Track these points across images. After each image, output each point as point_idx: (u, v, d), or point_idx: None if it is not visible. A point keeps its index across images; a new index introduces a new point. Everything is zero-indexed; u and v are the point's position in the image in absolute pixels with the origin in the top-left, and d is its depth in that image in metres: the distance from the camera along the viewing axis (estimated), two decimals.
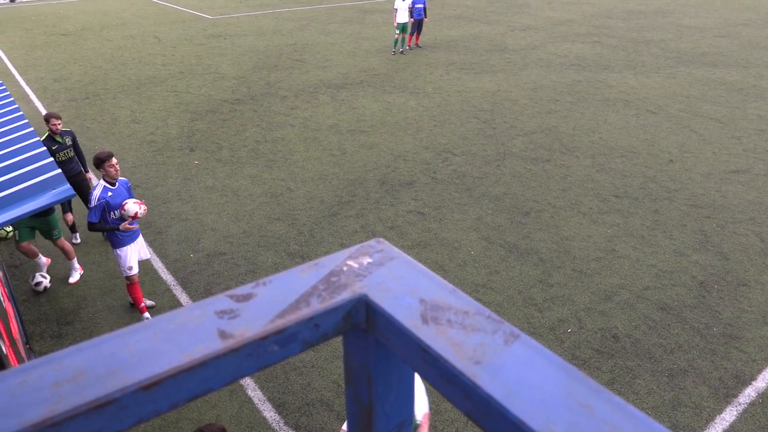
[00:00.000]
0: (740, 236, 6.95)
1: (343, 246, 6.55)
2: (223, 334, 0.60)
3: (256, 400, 4.77)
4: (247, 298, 0.66)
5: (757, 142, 9.68)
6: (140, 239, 5.69)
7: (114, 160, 5.35)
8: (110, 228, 5.33)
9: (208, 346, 0.58)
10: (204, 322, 0.62)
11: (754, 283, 6.14)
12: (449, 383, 0.60)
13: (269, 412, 4.66)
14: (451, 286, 0.71)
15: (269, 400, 4.78)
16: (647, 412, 4.62)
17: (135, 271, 5.55)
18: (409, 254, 6.64)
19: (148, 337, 0.61)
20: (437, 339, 0.62)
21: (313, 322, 0.65)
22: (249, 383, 4.97)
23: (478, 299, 5.81)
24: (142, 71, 14.12)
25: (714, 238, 6.92)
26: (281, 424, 4.56)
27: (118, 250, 5.47)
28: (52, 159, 4.99)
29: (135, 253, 5.57)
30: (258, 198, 7.92)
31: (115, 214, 5.33)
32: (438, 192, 8.00)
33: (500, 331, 0.64)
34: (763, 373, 5.03)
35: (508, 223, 7.24)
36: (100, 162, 5.30)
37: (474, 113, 10.98)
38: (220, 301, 0.66)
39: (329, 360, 5.16)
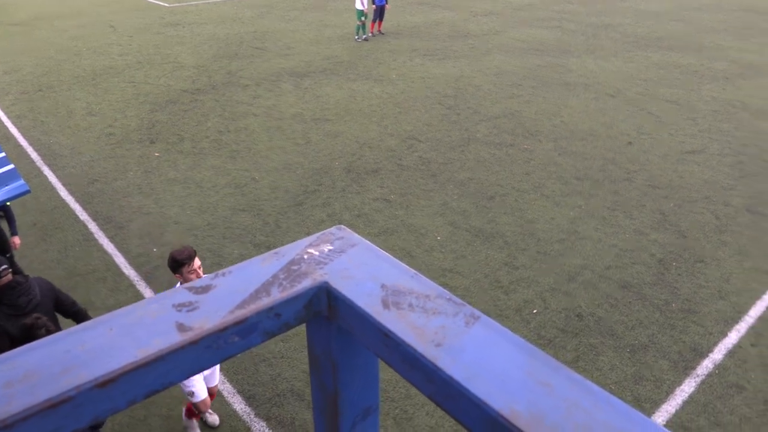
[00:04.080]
0: (696, 215, 7.18)
1: (309, 236, 6.52)
2: (181, 327, 0.59)
3: (225, 393, 4.74)
4: (205, 290, 0.65)
5: (712, 123, 9.98)
6: None
7: (197, 263, 3.96)
8: None
9: (166, 339, 0.57)
10: (162, 316, 0.61)
11: (710, 259, 6.36)
12: (412, 367, 0.60)
13: (239, 405, 4.64)
14: (412, 270, 0.72)
15: (239, 392, 4.75)
16: (610, 387, 4.77)
17: (200, 397, 4.10)
18: (375, 241, 6.66)
19: (103, 333, 0.60)
20: (399, 324, 0.62)
21: (273, 311, 0.64)
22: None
23: (445, 284, 5.87)
24: (97, 62, 13.68)
25: (671, 217, 7.13)
26: (252, 416, 4.54)
27: None
28: (4, 154, 4.81)
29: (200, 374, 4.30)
30: (222, 189, 7.81)
31: None
32: (404, 179, 8.02)
33: (461, 314, 0.65)
34: (719, 345, 5.23)
35: (473, 207, 7.31)
36: (178, 265, 3.91)
37: (438, 99, 11.01)
38: (179, 293, 0.65)
39: (298, 350, 5.15)
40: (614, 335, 5.32)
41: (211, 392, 4.36)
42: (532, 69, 12.90)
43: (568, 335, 5.33)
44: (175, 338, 0.58)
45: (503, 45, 14.89)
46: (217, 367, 4.42)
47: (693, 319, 5.52)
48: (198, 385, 4.08)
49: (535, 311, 5.60)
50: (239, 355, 5.00)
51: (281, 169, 8.32)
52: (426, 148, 8.91)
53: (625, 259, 6.33)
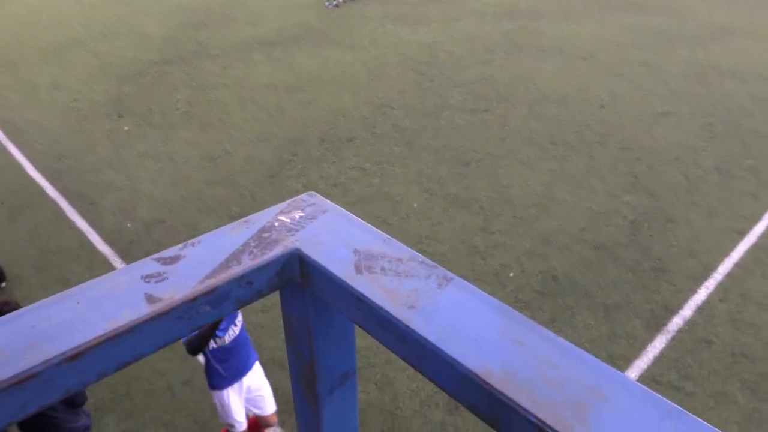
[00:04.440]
0: (668, 176, 7.31)
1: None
2: (150, 299, 0.58)
3: None
4: (175, 260, 0.64)
5: (683, 85, 10.08)
6: (253, 378, 3.92)
7: None
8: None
9: (135, 311, 0.56)
10: (130, 288, 0.60)
11: (681, 219, 6.50)
12: (385, 330, 0.61)
13: None
14: (384, 235, 0.72)
15: None
16: (585, 346, 4.89)
17: (241, 428, 3.91)
18: (352, 210, 6.62)
19: (70, 307, 0.58)
20: (371, 287, 0.62)
21: (245, 279, 0.64)
22: None
23: (422, 251, 5.90)
24: (60, 34, 13.19)
25: (643, 179, 7.25)
26: None
27: (216, 393, 3.83)
28: None
29: (240, 400, 3.88)
30: (195, 162, 7.68)
31: (216, 342, 3.64)
32: (378, 147, 7.98)
33: (434, 276, 0.65)
34: (689, 302, 5.40)
35: (448, 174, 7.33)
36: None
37: (411, 66, 10.90)
38: (147, 264, 0.64)
39: (278, 319, 5.16)
40: (589, 296, 5.45)
41: (269, 422, 4.08)
42: (504, 34, 12.81)
43: (545, 297, 5.43)
44: (145, 309, 0.57)
45: (475, 10, 14.73)
46: (269, 393, 4.05)
47: (664, 277, 5.67)
48: (238, 417, 3.87)
49: (511, 275, 5.69)
50: None
51: (255, 140, 8.20)
52: (400, 116, 8.86)
53: (599, 222, 6.43)
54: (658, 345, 4.98)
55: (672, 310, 5.31)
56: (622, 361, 4.81)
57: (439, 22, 13.67)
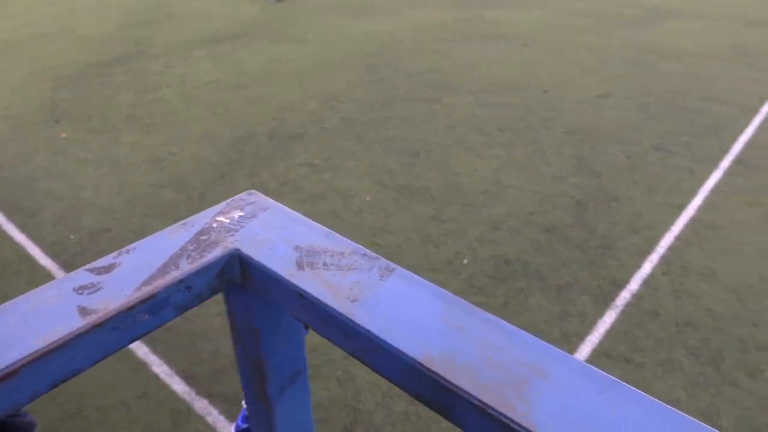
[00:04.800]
0: (609, 156, 7.56)
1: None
2: (83, 311, 0.56)
3: (162, 375, 4.64)
4: (108, 269, 0.63)
5: (621, 67, 10.42)
6: None
7: None
8: None
9: (68, 325, 0.55)
10: (61, 301, 0.58)
11: (623, 197, 6.74)
12: (328, 325, 0.61)
13: (179, 385, 4.56)
14: (326, 229, 0.72)
15: (177, 372, 4.66)
16: (540, 326, 5.03)
17: None
18: (304, 207, 6.62)
19: None
20: (313, 283, 0.62)
21: (184, 284, 0.63)
22: (153, 359, 4.80)
23: (376, 243, 5.94)
24: None
25: (587, 160, 7.47)
26: (193, 395, 4.48)
27: None
28: None
29: None
30: (140, 166, 7.46)
31: None
32: (328, 141, 7.94)
33: (376, 267, 0.66)
34: (635, 276, 5.61)
35: (398, 165, 7.37)
36: None
37: (358, 58, 10.87)
38: (79, 276, 0.62)
39: None
40: (540, 277, 5.59)
41: None
42: (450, 22, 12.93)
43: (498, 281, 5.54)
44: (77, 323, 0.55)
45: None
46: None
47: (610, 254, 5.87)
48: None
49: (465, 262, 5.77)
50: (175, 333, 4.88)
51: (202, 141, 8.03)
52: (349, 109, 8.83)
53: (547, 205, 6.60)
54: (608, 320, 5.15)
55: (619, 285, 5.50)
56: (575, 338, 4.96)
57: (384, 12, 13.67)
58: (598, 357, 4.82)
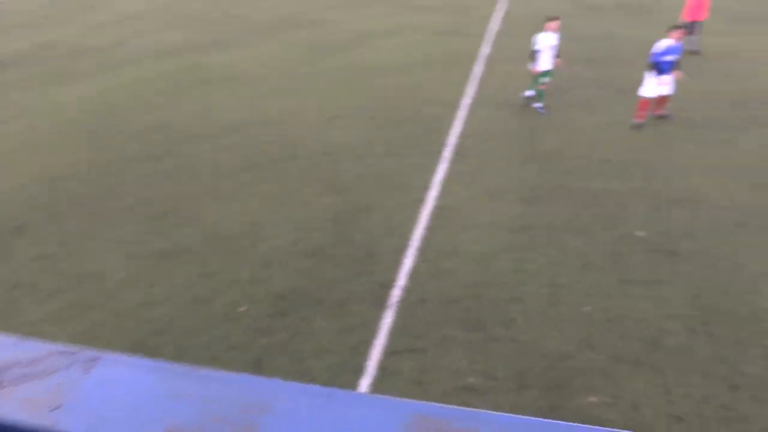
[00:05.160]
0: (350, 170, 8.10)
1: None
2: None
3: None
4: None
5: (342, 88, 11.24)
6: None
7: None
8: None
9: None
10: None
11: (372, 204, 7.28)
12: None
13: None
14: (14, 338, 0.64)
15: None
16: (328, 347, 5.15)
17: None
18: (49, 305, 5.81)
19: None
20: (7, 405, 0.56)
21: None
22: None
23: (144, 319, 5.48)
24: None
25: (332, 179, 7.90)
26: None
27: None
28: None
29: None
30: None
31: None
32: (60, 226, 7.09)
33: (76, 363, 0.61)
34: (400, 272, 6.09)
35: (148, 230, 6.91)
36: None
37: (75, 127, 9.93)
38: None
39: None
40: (318, 301, 5.73)
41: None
42: (169, 73, 12.56)
43: (279, 317, 5.54)
44: None
45: (131, 54, 14.09)
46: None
47: (374, 260, 6.29)
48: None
49: (242, 309, 5.65)
50: None
51: None
52: (75, 186, 8.00)
53: (306, 230, 6.81)
54: (387, 320, 5.51)
55: (389, 285, 5.92)
56: (363, 347, 5.19)
57: (95, 74, 12.71)
58: (387, 357, 5.11)
